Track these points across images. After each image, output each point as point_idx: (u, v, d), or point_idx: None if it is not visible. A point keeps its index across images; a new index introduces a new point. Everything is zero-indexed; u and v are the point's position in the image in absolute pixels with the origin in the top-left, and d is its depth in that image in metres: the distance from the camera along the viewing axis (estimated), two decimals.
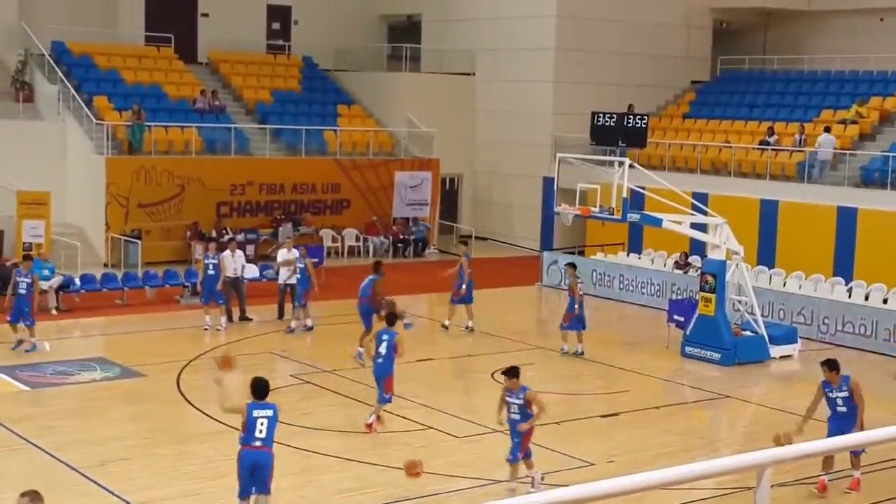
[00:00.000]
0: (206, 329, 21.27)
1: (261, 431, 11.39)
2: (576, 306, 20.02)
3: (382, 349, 15.23)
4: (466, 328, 21.91)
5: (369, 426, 15.24)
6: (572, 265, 21.25)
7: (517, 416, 13.08)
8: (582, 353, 20.03)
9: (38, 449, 14.09)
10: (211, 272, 21.47)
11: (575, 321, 20.08)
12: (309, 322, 21.60)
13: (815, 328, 22.26)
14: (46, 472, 13.35)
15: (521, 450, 13.03)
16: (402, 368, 19.11)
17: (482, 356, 20.15)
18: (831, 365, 13.48)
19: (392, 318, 15.69)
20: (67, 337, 21.50)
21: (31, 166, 27.18)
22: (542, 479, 13.06)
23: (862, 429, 12.83)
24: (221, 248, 22.83)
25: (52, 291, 22.55)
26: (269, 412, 11.56)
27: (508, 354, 19.71)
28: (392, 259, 30.84)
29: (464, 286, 21.92)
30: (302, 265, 21.71)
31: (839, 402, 13.39)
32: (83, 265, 25.59)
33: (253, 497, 11.58)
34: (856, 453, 13.37)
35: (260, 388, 11.63)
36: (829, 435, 12.77)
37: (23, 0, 31.33)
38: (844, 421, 13.19)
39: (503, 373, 13.37)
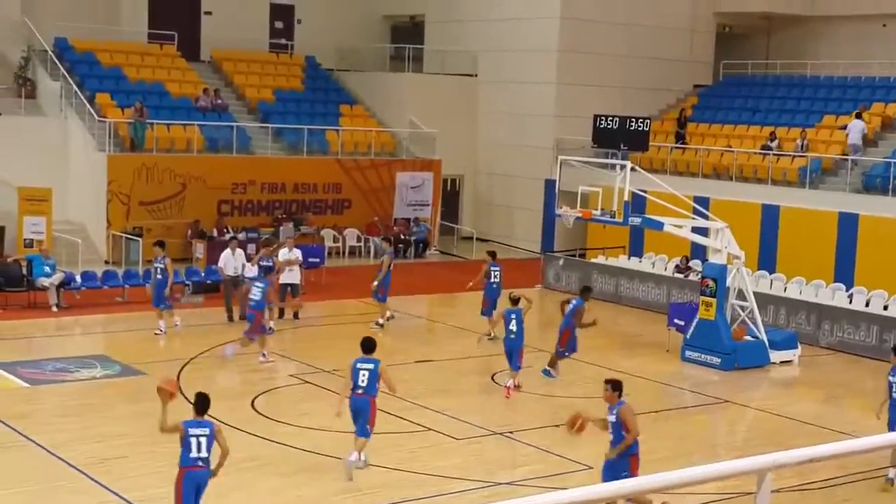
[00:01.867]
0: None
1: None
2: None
3: (513, 326, 17.60)
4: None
5: (508, 389, 17.47)
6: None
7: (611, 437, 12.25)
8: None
9: (37, 446, 14.09)
10: (159, 276, 21.16)
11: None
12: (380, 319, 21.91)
13: (815, 334, 22.25)
14: (45, 469, 13.36)
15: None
16: (400, 370, 19.16)
17: (482, 358, 20.15)
18: None
19: (517, 299, 17.88)
20: (68, 334, 21.50)
21: (32, 163, 27.18)
22: None
23: None
24: (224, 246, 22.86)
25: (52, 288, 22.55)
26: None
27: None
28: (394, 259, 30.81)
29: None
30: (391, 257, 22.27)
31: None
32: (84, 262, 25.59)
33: None
34: None
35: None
36: (890, 424, 13.61)
37: None
38: None
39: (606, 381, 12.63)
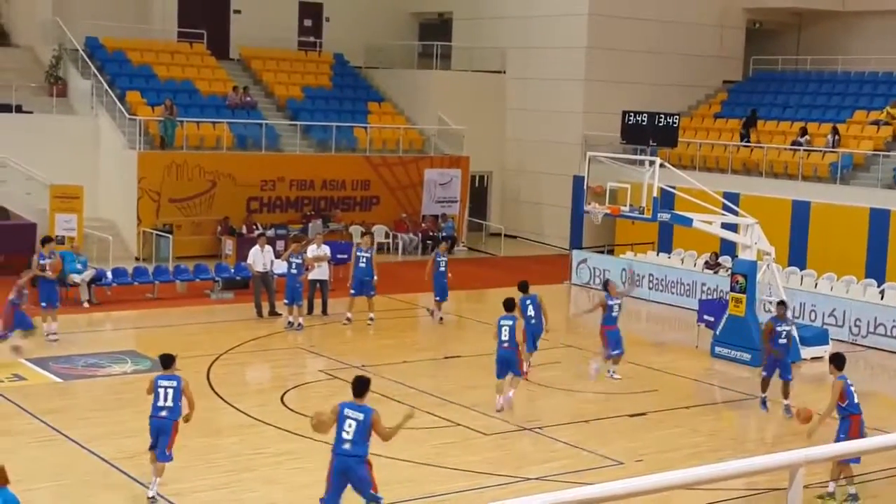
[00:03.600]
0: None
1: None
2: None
3: (531, 312, 17.94)
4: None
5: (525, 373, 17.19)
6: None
7: None
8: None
9: (69, 440, 14.22)
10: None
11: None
12: (301, 320, 21.52)
13: (846, 330, 22.10)
14: (78, 463, 13.48)
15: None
16: (430, 366, 19.19)
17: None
18: None
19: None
20: (99, 330, 21.66)
21: (64, 160, 27.40)
22: None
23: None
24: (253, 243, 22.97)
25: (84, 285, 22.74)
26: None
27: (536, 352, 19.72)
28: (421, 256, 30.87)
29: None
30: (299, 260, 21.70)
31: None
32: (115, 259, 25.79)
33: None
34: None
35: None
36: None
37: None
38: None
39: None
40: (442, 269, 22.27)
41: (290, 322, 21.40)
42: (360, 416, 10.85)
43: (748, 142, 30.91)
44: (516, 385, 16.42)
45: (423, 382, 17.79)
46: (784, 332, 16.80)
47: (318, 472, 13.35)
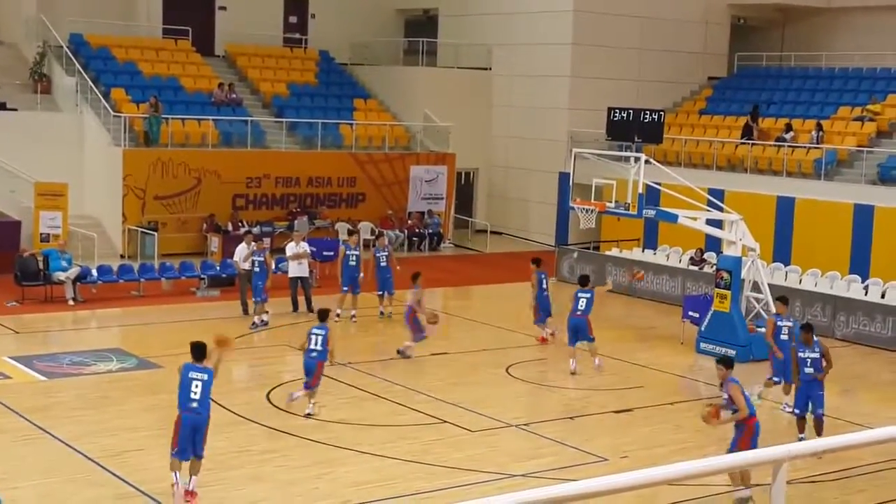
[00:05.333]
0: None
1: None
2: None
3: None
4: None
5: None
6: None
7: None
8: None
9: (54, 439, 14.18)
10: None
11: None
12: (265, 317, 21.43)
13: (831, 326, 22.19)
14: (63, 461, 13.44)
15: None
16: (416, 363, 19.20)
17: (496, 350, 20.18)
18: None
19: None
20: (84, 328, 21.61)
21: (48, 158, 27.30)
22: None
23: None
24: (239, 240, 22.94)
25: (69, 282, 22.68)
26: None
27: (523, 349, 19.81)
28: (407, 253, 30.88)
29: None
30: (261, 258, 21.55)
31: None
32: (100, 256, 25.73)
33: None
34: None
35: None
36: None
37: None
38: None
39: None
40: (383, 264, 22.26)
41: (254, 323, 21.20)
42: (205, 377, 12.34)
43: (750, 138, 30.65)
44: (595, 351, 18.65)
45: (409, 379, 17.81)
46: (786, 329, 16.76)
47: (304, 470, 13.38)
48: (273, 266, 22.29)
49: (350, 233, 23.82)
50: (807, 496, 13.27)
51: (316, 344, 15.54)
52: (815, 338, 15.19)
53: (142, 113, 29.01)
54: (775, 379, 16.78)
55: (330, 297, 22.14)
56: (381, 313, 22.24)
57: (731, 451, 12.37)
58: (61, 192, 26.11)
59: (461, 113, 33.61)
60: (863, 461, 13.96)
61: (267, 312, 21.62)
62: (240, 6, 35.00)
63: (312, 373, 15.48)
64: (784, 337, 16.68)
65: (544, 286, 20.64)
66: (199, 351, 12.51)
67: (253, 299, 21.52)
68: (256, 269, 21.51)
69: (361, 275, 22.12)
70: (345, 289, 22.03)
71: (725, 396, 12.74)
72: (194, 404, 12.29)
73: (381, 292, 22.35)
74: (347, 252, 22.13)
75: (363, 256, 22.70)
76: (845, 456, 13.55)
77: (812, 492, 13.38)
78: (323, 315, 16.02)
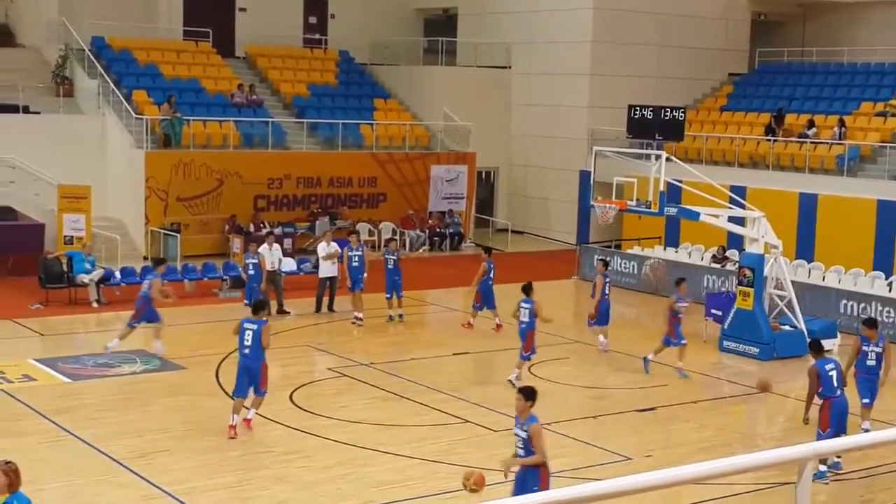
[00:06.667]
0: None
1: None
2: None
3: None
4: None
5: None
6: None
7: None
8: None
9: (79, 440, 14.26)
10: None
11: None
12: (359, 314, 21.63)
13: (854, 322, 22.05)
14: (88, 463, 13.52)
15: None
16: (438, 362, 19.22)
17: (519, 350, 20.12)
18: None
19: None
20: (108, 330, 21.68)
21: (71, 160, 27.45)
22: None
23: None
24: (261, 241, 23.00)
25: (92, 285, 22.80)
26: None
27: (545, 348, 19.74)
28: (428, 253, 30.91)
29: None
30: (255, 260, 21.69)
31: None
32: (123, 258, 25.86)
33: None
34: None
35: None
36: None
37: None
38: None
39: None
40: (391, 266, 22.17)
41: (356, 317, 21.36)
42: (255, 327, 14.28)
43: (774, 135, 30.42)
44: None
45: (431, 379, 17.81)
46: (873, 354, 14.79)
47: (327, 470, 13.41)
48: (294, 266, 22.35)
49: (349, 234, 23.71)
50: (831, 494, 13.21)
51: (246, 340, 14.66)
52: (880, 333, 14.85)
53: (162, 114, 29.12)
54: (865, 401, 14.87)
55: (348, 297, 22.15)
56: (391, 317, 22.12)
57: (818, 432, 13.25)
58: (84, 195, 26.24)
59: (481, 112, 33.60)
60: (888, 459, 13.89)
61: (288, 313, 21.64)
62: (260, 7, 35.11)
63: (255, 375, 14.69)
64: (871, 362, 14.80)
65: (607, 291, 20.12)
66: (256, 306, 14.87)
67: (244, 302, 21.33)
68: (251, 272, 21.57)
69: (365, 275, 22.03)
70: (350, 288, 22.01)
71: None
72: (246, 350, 14.33)
73: (389, 295, 22.25)
74: (350, 253, 22.14)
75: (368, 258, 22.56)
76: (870, 454, 13.49)
77: (836, 490, 13.32)
78: (258, 307, 14.99)
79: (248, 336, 14.34)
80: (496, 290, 21.57)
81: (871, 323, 15.11)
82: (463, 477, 10.65)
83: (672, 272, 25.74)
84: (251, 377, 14.39)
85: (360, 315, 21.67)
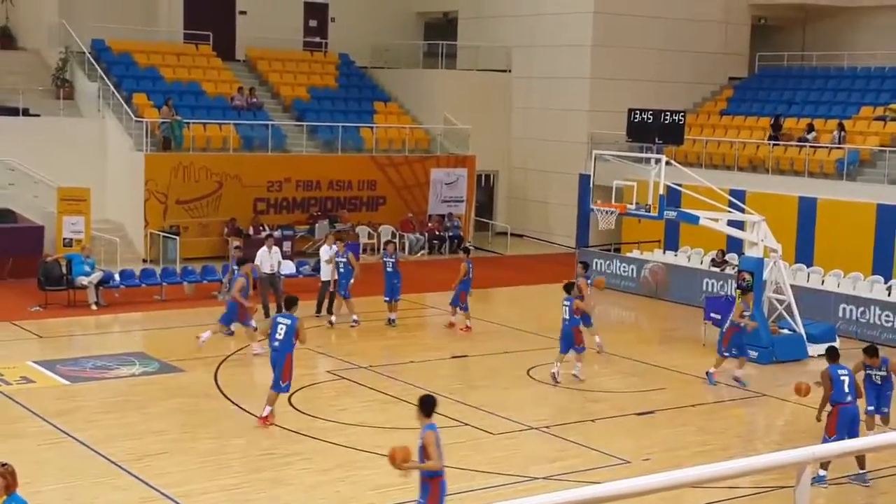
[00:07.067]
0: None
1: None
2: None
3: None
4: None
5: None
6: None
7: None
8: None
9: (78, 442, 14.25)
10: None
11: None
12: (355, 316, 21.67)
13: (853, 326, 22.06)
14: (86, 465, 13.51)
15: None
16: (437, 365, 19.21)
17: (518, 353, 20.16)
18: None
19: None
20: (107, 332, 21.72)
21: (71, 163, 27.44)
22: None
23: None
24: (260, 244, 22.98)
25: (91, 287, 22.80)
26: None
27: (544, 352, 19.77)
28: (428, 256, 30.91)
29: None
30: (344, 259, 21.86)
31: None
32: (122, 261, 25.85)
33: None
34: None
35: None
36: None
37: None
38: None
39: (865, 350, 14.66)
40: (389, 269, 22.18)
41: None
42: (289, 322, 14.92)
43: (776, 142, 30.34)
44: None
45: (429, 382, 17.80)
46: (878, 377, 14.73)
47: (326, 473, 13.41)
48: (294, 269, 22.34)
49: (336, 239, 23.62)
50: (831, 498, 13.20)
51: (278, 334, 15.11)
52: (882, 358, 14.67)
53: (162, 117, 29.12)
54: (869, 408, 14.74)
55: (354, 300, 22.14)
56: (390, 321, 22.09)
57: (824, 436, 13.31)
58: (84, 197, 26.24)
59: (481, 115, 33.62)
60: (888, 463, 13.89)
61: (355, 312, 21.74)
62: (260, 10, 35.13)
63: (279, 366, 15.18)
64: (876, 381, 14.76)
65: (588, 293, 20.19)
66: (288, 302, 15.49)
67: (332, 301, 21.80)
68: (341, 270, 21.70)
69: (352, 280, 21.97)
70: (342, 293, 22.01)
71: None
72: (276, 343, 14.93)
73: (388, 298, 22.24)
74: (337, 259, 22.12)
75: (368, 260, 22.61)
76: (871, 458, 13.49)
77: (836, 494, 13.31)
78: (289, 303, 15.61)
79: (281, 330, 15.04)
80: (496, 291, 21.57)
81: (871, 351, 14.70)
82: (389, 457, 10.83)
83: (672, 275, 25.76)
84: (274, 368, 15.11)
85: (355, 317, 21.76)
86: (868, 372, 14.65)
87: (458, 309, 21.86)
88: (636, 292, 26.19)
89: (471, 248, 23.38)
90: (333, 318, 21.81)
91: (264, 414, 15.08)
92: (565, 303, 18.03)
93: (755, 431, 17.03)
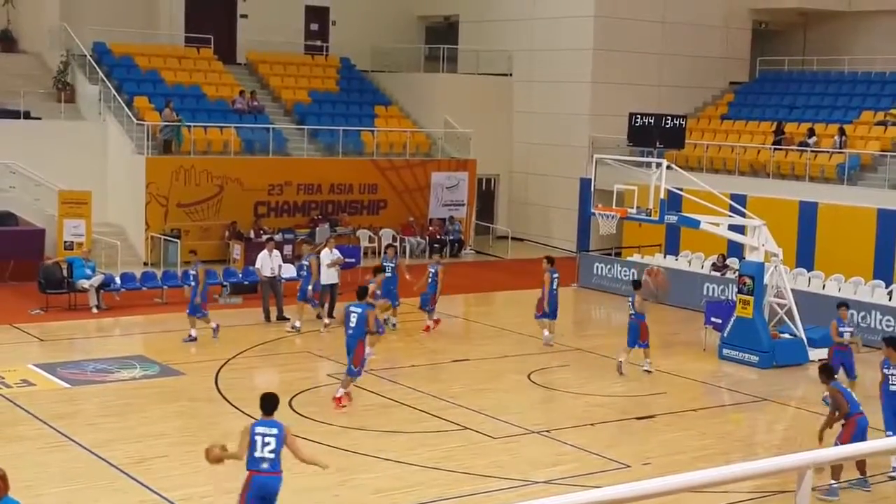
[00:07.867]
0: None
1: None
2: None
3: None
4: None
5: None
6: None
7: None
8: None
9: (78, 446, 14.25)
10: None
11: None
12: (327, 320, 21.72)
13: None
14: (87, 468, 13.51)
15: None
16: (437, 369, 19.21)
17: (518, 357, 20.15)
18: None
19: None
20: (108, 335, 21.72)
21: (72, 166, 27.46)
22: None
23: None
24: (261, 247, 22.97)
25: (92, 290, 22.80)
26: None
27: (545, 356, 19.77)
28: (428, 260, 30.85)
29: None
30: (307, 263, 21.93)
31: None
32: (123, 264, 25.86)
33: None
34: None
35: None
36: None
37: (65, 1, 31.74)
38: None
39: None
40: (388, 274, 22.08)
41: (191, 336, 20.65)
42: (359, 311, 14.99)
43: (779, 146, 30.28)
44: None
45: (430, 386, 17.81)
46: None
47: (326, 477, 13.38)
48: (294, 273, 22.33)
49: (325, 244, 23.57)
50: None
51: (350, 323, 16.07)
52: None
53: (164, 120, 29.13)
54: (889, 433, 13.95)
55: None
56: (392, 325, 22.09)
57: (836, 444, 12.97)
58: (85, 200, 26.26)
59: (482, 119, 33.63)
60: (889, 469, 13.88)
61: (288, 319, 21.63)
62: (261, 14, 35.16)
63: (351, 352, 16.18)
64: (894, 387, 14.00)
65: (554, 286, 20.92)
66: (360, 293, 16.27)
67: (331, 304, 21.96)
68: (305, 275, 21.72)
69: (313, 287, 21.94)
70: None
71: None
72: (350, 331, 15.91)
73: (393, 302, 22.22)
74: (303, 262, 22.14)
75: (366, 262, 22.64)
76: (872, 463, 13.47)
77: (838, 500, 13.28)
78: (361, 293, 16.44)
79: (353, 318, 15.99)
80: (497, 295, 21.56)
81: (894, 342, 13.72)
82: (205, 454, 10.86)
83: (672, 279, 25.74)
84: (348, 353, 16.15)
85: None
86: (886, 372, 13.88)
87: (427, 311, 22.16)
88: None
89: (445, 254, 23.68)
90: (327, 320, 21.77)
91: (338, 395, 16.16)
92: (630, 299, 19.04)
93: (755, 435, 17.01)
